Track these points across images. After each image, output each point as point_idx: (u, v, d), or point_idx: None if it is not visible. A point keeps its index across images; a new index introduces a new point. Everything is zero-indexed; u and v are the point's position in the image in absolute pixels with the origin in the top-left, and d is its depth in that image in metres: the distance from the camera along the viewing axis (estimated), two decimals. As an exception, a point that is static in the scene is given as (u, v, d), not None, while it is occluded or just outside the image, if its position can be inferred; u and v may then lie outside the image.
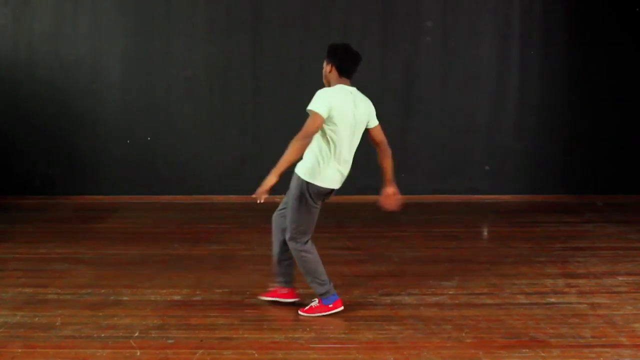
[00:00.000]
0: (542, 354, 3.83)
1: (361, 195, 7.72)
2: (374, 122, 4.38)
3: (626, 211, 7.61)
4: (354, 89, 4.31)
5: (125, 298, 4.77)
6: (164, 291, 4.90)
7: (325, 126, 4.18)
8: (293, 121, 8.28)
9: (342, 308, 4.43)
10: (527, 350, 3.88)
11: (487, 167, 8.47)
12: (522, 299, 4.75)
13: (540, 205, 8.06)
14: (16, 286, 5.01)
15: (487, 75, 8.39)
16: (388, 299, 4.68)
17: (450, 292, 4.88)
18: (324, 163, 4.22)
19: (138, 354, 3.83)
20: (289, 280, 4.60)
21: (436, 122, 8.35)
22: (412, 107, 8.33)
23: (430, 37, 8.31)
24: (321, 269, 4.39)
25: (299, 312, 4.45)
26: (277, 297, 4.61)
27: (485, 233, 7.07)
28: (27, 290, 4.93)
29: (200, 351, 3.86)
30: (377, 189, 4.61)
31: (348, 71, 4.28)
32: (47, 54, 8.23)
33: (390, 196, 4.43)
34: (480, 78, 8.38)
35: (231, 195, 8.30)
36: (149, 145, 8.36)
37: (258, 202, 4.09)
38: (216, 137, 8.41)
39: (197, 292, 4.88)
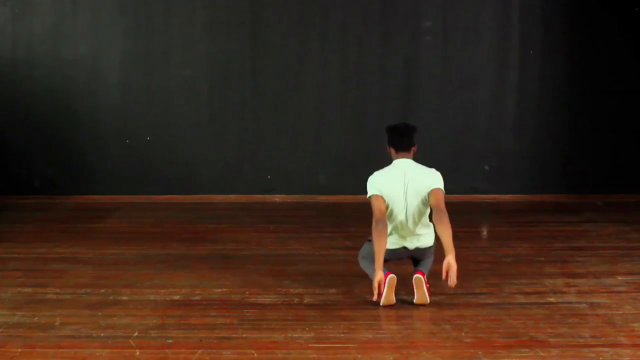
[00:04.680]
0: (542, 354, 3.82)
1: (361, 195, 7.69)
2: (433, 188, 4.59)
3: (626, 211, 7.60)
4: (409, 163, 4.62)
5: (124, 298, 4.77)
6: (163, 291, 4.89)
7: None
8: (293, 121, 8.41)
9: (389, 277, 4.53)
10: (526, 349, 3.88)
11: (486, 167, 8.46)
12: (521, 298, 4.75)
13: (539, 205, 8.05)
14: (15, 286, 5.01)
15: (487, 75, 8.38)
16: (387, 299, 4.66)
17: (450, 292, 4.87)
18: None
19: (137, 353, 3.83)
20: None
21: (436, 122, 8.33)
22: (411, 107, 8.32)
23: (430, 36, 8.31)
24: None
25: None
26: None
27: (485, 233, 7.07)
28: (26, 290, 4.93)
29: (200, 351, 3.85)
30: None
31: (399, 146, 4.65)
32: (46, 54, 8.23)
33: (445, 268, 4.38)
34: (480, 78, 8.37)
35: (231, 195, 8.30)
36: (148, 145, 8.36)
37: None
38: (216, 137, 8.40)
39: (197, 292, 4.88)
